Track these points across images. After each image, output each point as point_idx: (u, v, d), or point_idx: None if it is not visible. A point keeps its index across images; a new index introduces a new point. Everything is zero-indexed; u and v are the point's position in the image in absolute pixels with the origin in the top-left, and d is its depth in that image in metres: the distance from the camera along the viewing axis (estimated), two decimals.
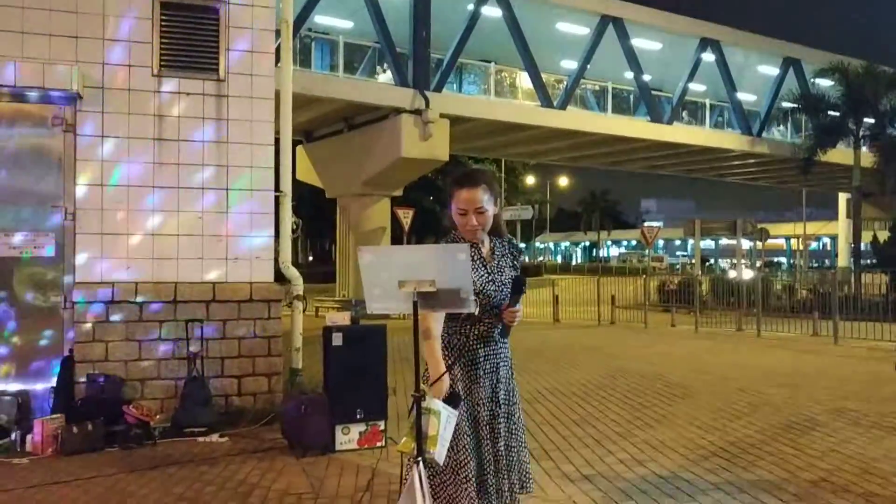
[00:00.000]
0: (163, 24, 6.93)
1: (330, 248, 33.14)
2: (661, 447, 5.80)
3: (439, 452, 2.49)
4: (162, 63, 6.93)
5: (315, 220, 42.20)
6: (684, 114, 29.18)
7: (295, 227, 7.95)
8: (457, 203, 2.93)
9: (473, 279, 2.74)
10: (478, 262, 2.95)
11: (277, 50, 7.73)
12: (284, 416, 6.08)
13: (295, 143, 26.76)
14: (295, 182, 26.34)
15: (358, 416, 5.94)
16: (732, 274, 21.92)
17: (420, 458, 2.48)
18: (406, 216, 20.49)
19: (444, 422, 2.51)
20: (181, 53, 6.99)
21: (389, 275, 2.47)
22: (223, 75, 7.07)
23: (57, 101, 6.65)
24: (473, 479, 2.81)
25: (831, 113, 28.28)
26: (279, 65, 7.73)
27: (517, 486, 2.99)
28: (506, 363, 3.08)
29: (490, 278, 2.96)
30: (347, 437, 5.92)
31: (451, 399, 2.65)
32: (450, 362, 2.88)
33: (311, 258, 53.48)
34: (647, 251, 31.26)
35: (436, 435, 2.47)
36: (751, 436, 6.12)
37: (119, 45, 6.80)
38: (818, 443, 5.88)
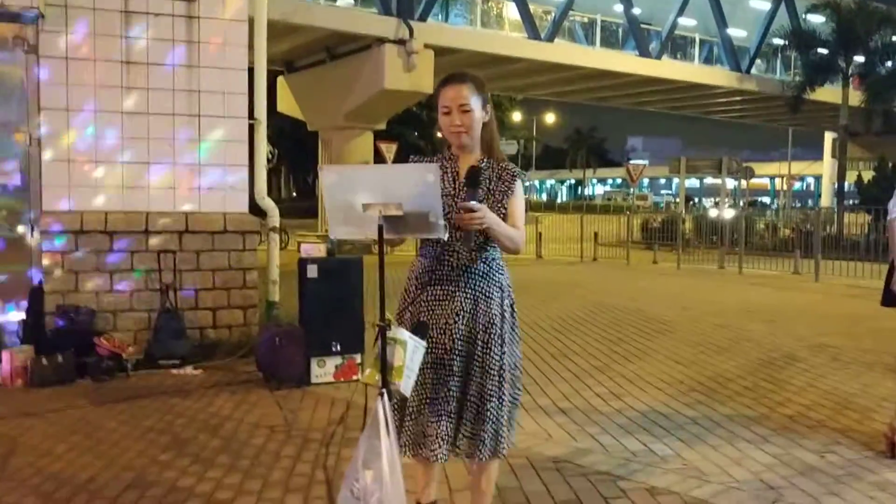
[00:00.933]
0: None
1: (313, 183, 32.74)
2: (638, 381, 5.78)
3: (405, 384, 2.37)
4: None
5: (297, 154, 41.64)
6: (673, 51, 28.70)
7: (270, 156, 7.73)
8: (441, 102, 2.72)
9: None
10: (449, 174, 2.72)
11: None
12: (259, 349, 5.98)
13: (276, 74, 26.15)
14: (276, 114, 25.86)
15: (334, 350, 5.84)
16: (714, 213, 21.87)
17: (385, 390, 2.36)
18: (389, 150, 20.21)
19: (410, 352, 2.38)
20: None
21: (354, 197, 2.30)
22: None
23: (17, 20, 6.29)
24: (418, 417, 2.66)
25: (821, 50, 27.90)
26: None
27: (485, 446, 2.69)
28: (474, 294, 2.71)
29: (453, 194, 2.69)
30: (323, 370, 5.84)
31: (419, 328, 2.52)
32: (417, 290, 2.73)
33: (294, 194, 52.97)
34: (631, 189, 31.15)
35: (402, 366, 2.35)
36: (729, 371, 6.11)
37: None
38: (796, 378, 5.87)
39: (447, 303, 2.70)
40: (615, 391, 5.49)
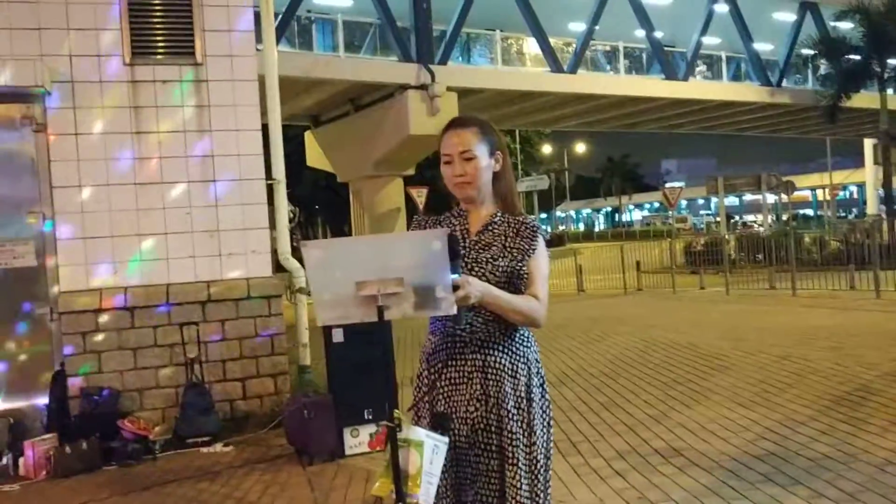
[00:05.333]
0: (131, 8, 6.41)
1: (349, 233, 32.79)
2: (699, 431, 5.27)
3: (425, 493, 1.95)
4: (134, 51, 6.42)
5: (333, 205, 41.79)
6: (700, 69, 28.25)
7: (292, 215, 7.48)
8: (442, 150, 2.36)
9: None
10: (458, 231, 2.35)
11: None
12: (288, 422, 5.64)
13: (303, 129, 26.32)
14: (308, 168, 26.03)
15: (367, 417, 5.47)
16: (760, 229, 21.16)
17: None
18: (420, 195, 20.00)
19: (428, 454, 1.98)
20: (154, 38, 6.49)
21: (344, 274, 1.92)
22: (201, 59, 6.56)
23: (24, 100, 6.18)
24: None
25: (853, 57, 27.18)
26: (261, 45, 7.21)
27: None
28: (496, 373, 2.26)
29: (463, 253, 2.27)
30: (357, 439, 5.47)
31: (438, 421, 2.13)
32: (431, 375, 2.32)
33: None
34: (670, 213, 30.50)
35: (419, 472, 1.95)
36: (798, 411, 5.55)
37: (86, 34, 6.30)
38: (876, 416, 5.29)
39: (465, 387, 2.27)
40: (675, 445, 5.00)
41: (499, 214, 2.39)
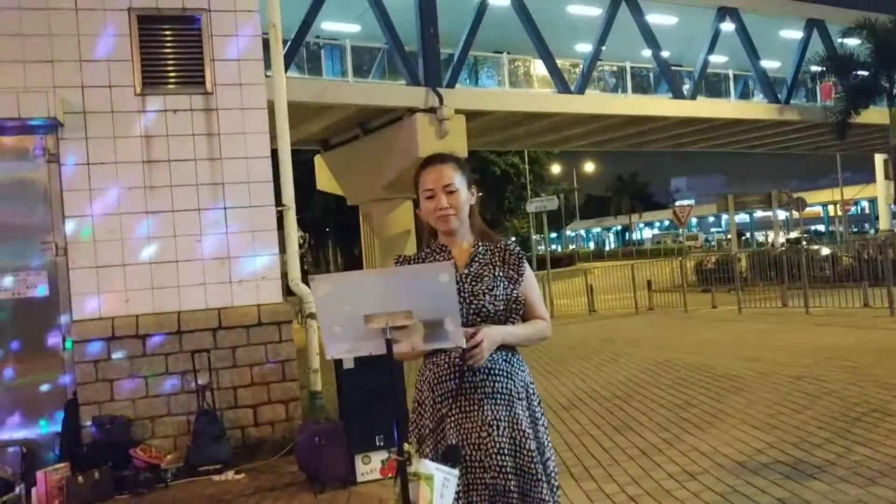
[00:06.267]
0: (142, 39, 6.49)
1: (360, 255, 32.80)
2: (714, 454, 5.22)
3: None
4: (145, 81, 6.50)
5: (343, 228, 41.93)
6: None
7: (302, 241, 7.51)
8: (422, 185, 2.45)
9: None
10: None
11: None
12: (299, 450, 5.62)
13: (313, 153, 26.49)
14: (318, 192, 26.07)
15: (378, 444, 5.44)
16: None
17: None
18: None
19: (438, 487, 1.98)
20: (164, 69, 6.56)
21: (352, 308, 1.94)
22: (210, 88, 6.63)
23: (37, 131, 6.26)
24: None
25: (861, 73, 27.18)
26: (270, 71, 7.28)
27: None
28: (506, 399, 2.35)
29: (458, 287, 2.32)
30: (368, 466, 5.44)
31: (448, 454, 2.13)
32: (437, 404, 2.35)
33: (342, 266, 53.20)
34: (680, 231, 30.42)
35: None
36: (814, 434, 5.49)
37: (97, 65, 6.38)
38: (893, 437, 5.21)
39: (476, 413, 2.33)
40: (689, 469, 4.95)
41: (480, 245, 2.50)
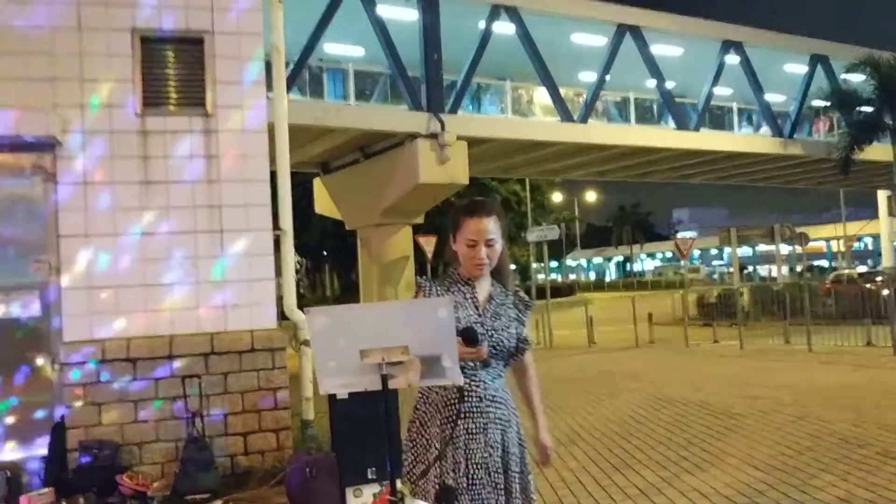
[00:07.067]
0: (144, 60, 6.46)
1: (356, 281, 32.70)
2: (714, 496, 5.08)
3: None
4: (145, 101, 6.45)
5: (341, 252, 41.86)
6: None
7: (299, 266, 7.43)
8: (465, 233, 2.68)
9: (460, 316, 2.52)
10: (469, 300, 2.68)
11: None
12: (289, 481, 5.49)
13: (312, 176, 26.47)
14: (316, 216, 25.96)
15: (370, 476, 5.29)
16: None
17: None
18: (429, 244, 19.90)
19: None
20: (165, 90, 6.54)
21: (348, 342, 1.87)
22: (211, 110, 6.58)
23: (35, 149, 6.19)
24: None
25: (865, 109, 27.24)
26: (272, 95, 7.24)
27: None
28: (503, 424, 2.66)
29: (480, 321, 2.63)
30: (359, 500, 5.26)
31: (444, 496, 2.04)
32: (443, 424, 2.57)
33: (338, 291, 53.01)
34: (682, 263, 30.34)
35: None
36: (816, 476, 5.35)
37: (98, 85, 6.34)
38: None
39: (481, 436, 2.61)
40: None
41: (498, 287, 2.77)
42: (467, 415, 2.59)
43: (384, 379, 1.91)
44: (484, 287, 2.72)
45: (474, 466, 2.57)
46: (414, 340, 1.94)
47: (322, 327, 1.97)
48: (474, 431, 2.60)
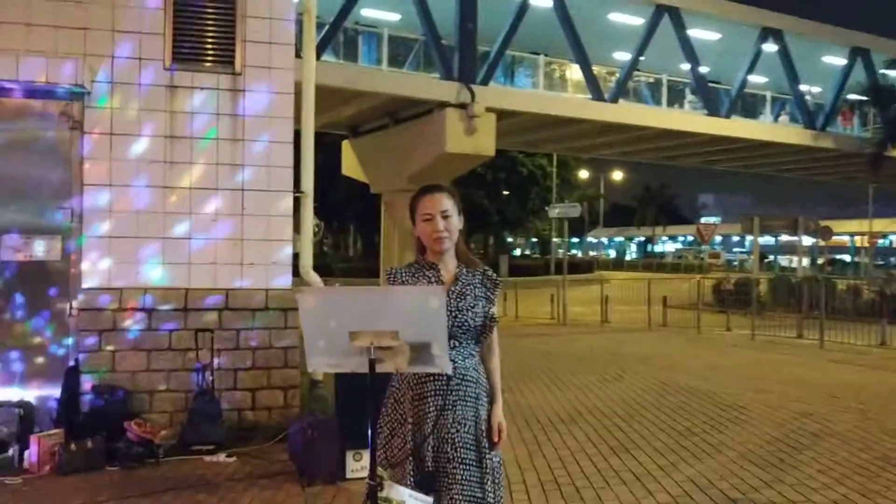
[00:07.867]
0: (176, 14, 6.49)
1: (379, 243, 32.78)
2: (708, 488, 5.13)
3: None
4: (175, 56, 6.49)
5: (365, 215, 41.92)
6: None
7: (317, 229, 7.49)
8: (421, 210, 2.80)
9: None
10: (434, 283, 2.74)
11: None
12: (291, 440, 5.61)
13: (341, 138, 26.50)
14: (342, 177, 26.04)
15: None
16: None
17: None
18: None
19: None
20: (195, 46, 6.54)
21: (338, 323, 1.91)
22: (239, 68, 6.61)
23: (64, 97, 6.27)
24: None
25: None
26: (301, 56, 7.25)
27: None
28: (474, 402, 2.74)
29: (450, 304, 2.68)
30: (359, 463, 5.40)
31: (424, 481, 2.09)
32: (415, 402, 2.57)
33: (361, 252, 53.16)
34: (703, 247, 30.14)
35: None
36: (813, 477, 5.38)
37: (129, 37, 6.39)
38: (893, 489, 5.11)
39: (450, 413, 2.68)
40: (682, 501, 4.87)
41: (463, 268, 2.83)
42: (437, 392, 2.66)
43: (371, 363, 1.95)
44: (449, 268, 2.80)
45: (441, 441, 2.66)
46: (404, 327, 1.99)
47: (313, 307, 2.02)
48: (443, 408, 2.67)
